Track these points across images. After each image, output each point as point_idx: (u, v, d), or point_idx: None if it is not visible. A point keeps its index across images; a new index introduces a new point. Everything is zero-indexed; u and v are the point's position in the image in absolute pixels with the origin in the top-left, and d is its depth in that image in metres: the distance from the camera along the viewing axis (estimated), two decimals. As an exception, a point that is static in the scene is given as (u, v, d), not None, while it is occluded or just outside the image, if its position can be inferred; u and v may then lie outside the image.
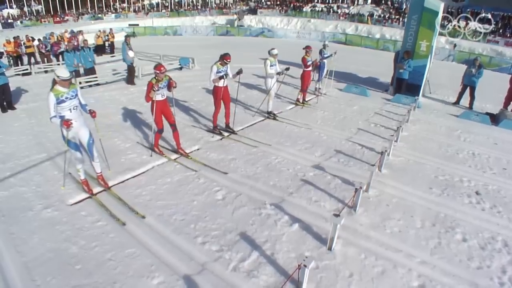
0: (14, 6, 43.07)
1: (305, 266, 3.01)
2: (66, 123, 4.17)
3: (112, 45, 19.28)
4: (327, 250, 3.81)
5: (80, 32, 18.49)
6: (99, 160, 4.88)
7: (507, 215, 4.70)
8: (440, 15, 9.92)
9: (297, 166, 5.87)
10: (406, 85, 10.80)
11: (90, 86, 11.28)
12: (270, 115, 8.50)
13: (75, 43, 14.41)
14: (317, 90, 11.02)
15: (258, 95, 10.47)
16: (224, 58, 6.64)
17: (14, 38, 15.00)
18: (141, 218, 4.27)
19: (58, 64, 13.69)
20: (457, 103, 10.58)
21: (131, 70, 11.84)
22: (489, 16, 17.76)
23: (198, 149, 6.48)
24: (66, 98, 4.30)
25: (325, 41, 13.53)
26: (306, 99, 9.98)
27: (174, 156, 6.11)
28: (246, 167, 5.77)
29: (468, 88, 10.13)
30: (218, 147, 6.61)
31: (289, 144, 6.86)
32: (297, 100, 9.87)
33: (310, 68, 9.26)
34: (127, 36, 11.97)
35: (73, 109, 4.41)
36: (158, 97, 5.71)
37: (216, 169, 5.66)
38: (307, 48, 9.21)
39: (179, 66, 14.82)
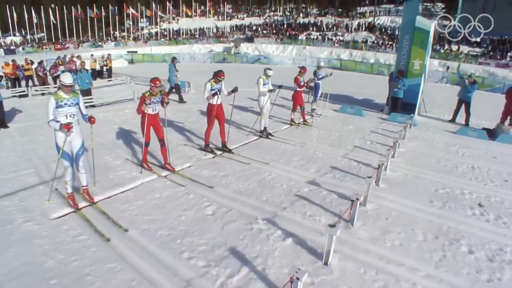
0: (18, 34, 44.44)
1: (297, 279, 2.73)
2: (67, 126, 4.24)
3: (110, 70, 19.38)
4: (323, 265, 3.52)
5: (78, 56, 18.67)
6: (85, 172, 4.77)
7: (514, 227, 4.45)
8: (432, 34, 10.08)
9: (291, 182, 5.65)
10: (401, 104, 10.77)
11: (86, 107, 11.22)
12: (263, 133, 8.34)
13: (73, 67, 14.59)
14: (312, 111, 10.98)
15: (252, 116, 10.37)
16: (218, 76, 6.59)
17: (12, 61, 15.21)
18: (124, 232, 4.03)
19: (55, 87, 13.78)
20: (453, 120, 10.51)
21: (177, 89, 12.71)
22: (478, 40, 18.20)
23: (189, 166, 6.28)
24: (65, 104, 4.38)
25: (320, 62, 13.71)
26: (302, 120, 9.79)
27: (164, 173, 5.90)
28: (238, 183, 5.55)
29: (463, 104, 10.10)
30: (210, 165, 6.40)
31: (283, 161, 6.67)
32: (291, 120, 9.74)
33: (302, 89, 9.23)
34: (174, 58, 12.84)
35: (70, 116, 4.44)
36: (150, 110, 5.64)
37: (202, 183, 5.46)
38: (302, 69, 9.26)
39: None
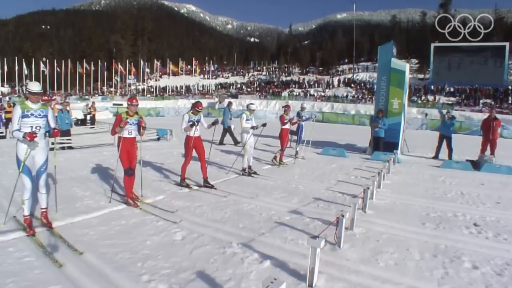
0: (6, 85, 44.95)
1: (273, 290, 2.21)
2: (30, 134, 3.85)
3: (93, 118, 19.10)
4: (307, 287, 2.97)
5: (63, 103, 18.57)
6: (46, 193, 4.33)
7: (516, 242, 4.03)
8: (407, 73, 10.46)
9: (271, 212, 5.15)
10: (383, 143, 10.73)
11: (63, 148, 10.87)
12: (245, 171, 7.81)
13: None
14: (296, 153, 10.75)
15: (233, 158, 10.10)
16: (196, 106, 6.42)
17: None
18: (78, 255, 3.44)
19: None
20: (436, 157, 10.47)
21: (230, 131, 12.83)
22: (452, 89, 19.19)
23: (162, 198, 5.74)
24: (32, 114, 4.04)
25: (302, 103, 13.87)
26: (283, 160, 9.51)
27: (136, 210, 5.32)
28: (213, 212, 5.03)
29: (445, 139, 10.14)
30: (185, 197, 5.89)
31: (264, 193, 6.22)
32: (274, 157, 9.44)
33: (287, 126, 9.12)
34: (230, 103, 13.47)
35: (35, 128, 4.08)
36: (125, 133, 5.27)
37: (163, 209, 4.97)
38: (286, 107, 9.27)
39: (157, 137, 14.62)
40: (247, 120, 7.73)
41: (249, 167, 7.90)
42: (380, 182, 6.63)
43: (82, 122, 18.60)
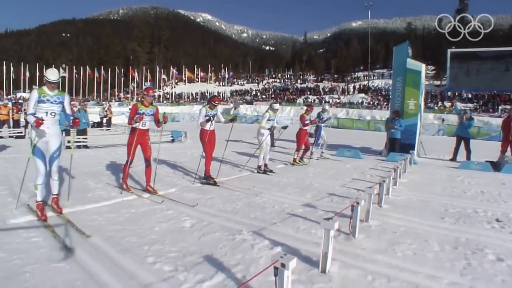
0: (28, 91, 46.92)
1: (283, 266, 2.11)
2: (37, 121, 3.85)
3: (109, 121, 19.18)
4: (319, 273, 2.84)
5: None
6: (58, 180, 4.30)
7: (543, 238, 3.78)
8: (423, 74, 10.22)
9: (284, 205, 5.02)
10: (399, 145, 10.45)
11: (78, 147, 11.05)
12: (260, 169, 7.66)
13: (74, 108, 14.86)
14: (311, 154, 10.56)
15: (247, 158, 10.03)
16: (212, 101, 6.35)
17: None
18: (86, 238, 3.43)
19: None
20: (453, 159, 10.11)
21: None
22: (470, 96, 18.68)
23: (174, 191, 5.70)
24: (48, 100, 4.03)
25: (324, 105, 13.71)
26: (300, 158, 9.23)
27: (145, 195, 5.29)
28: (224, 204, 4.94)
29: (463, 141, 9.81)
30: (196, 190, 5.84)
31: (276, 189, 6.11)
32: (294, 160, 9.09)
33: (307, 128, 8.91)
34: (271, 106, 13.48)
35: (50, 114, 4.08)
36: (139, 124, 5.23)
37: (184, 203, 4.86)
38: (309, 107, 9.13)
39: (171, 138, 14.70)
40: (268, 120, 7.60)
41: (265, 165, 7.77)
42: (396, 179, 6.42)
43: (98, 125, 18.83)
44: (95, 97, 47.74)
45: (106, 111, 19.47)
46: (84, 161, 8.40)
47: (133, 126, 5.25)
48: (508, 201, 5.42)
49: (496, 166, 8.44)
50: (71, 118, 4.19)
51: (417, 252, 3.31)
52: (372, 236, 3.75)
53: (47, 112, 4.04)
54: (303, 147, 9.00)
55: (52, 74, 4.02)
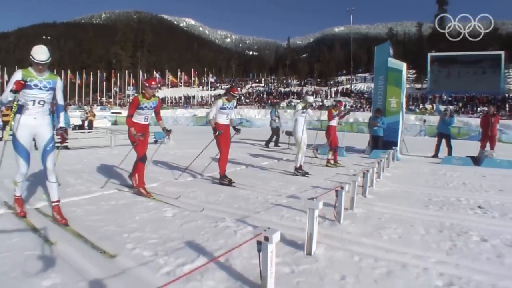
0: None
1: (266, 239, 2.02)
2: (18, 82, 3.03)
3: (90, 124, 18.63)
4: (305, 255, 2.76)
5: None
6: (57, 182, 3.51)
7: (524, 222, 3.83)
8: (404, 72, 10.39)
9: (268, 196, 4.94)
10: (382, 142, 10.57)
11: (58, 148, 10.58)
12: (298, 171, 6.81)
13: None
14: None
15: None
16: (231, 91, 5.65)
17: None
18: (63, 227, 3.25)
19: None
20: (435, 156, 10.28)
21: (276, 132, 12.88)
22: (450, 98, 19.19)
23: (156, 186, 5.52)
24: (35, 85, 3.18)
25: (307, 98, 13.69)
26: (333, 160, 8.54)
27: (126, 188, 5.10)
28: (207, 196, 4.82)
29: (444, 138, 10.00)
30: (179, 184, 5.69)
31: (261, 183, 6.00)
32: (328, 161, 8.44)
33: (334, 123, 8.49)
34: (277, 103, 12.99)
35: (38, 103, 3.26)
36: (141, 119, 4.76)
37: (166, 195, 4.69)
38: (339, 103, 9.05)
39: (154, 139, 14.38)
40: (302, 112, 6.72)
41: (300, 167, 6.92)
42: (380, 172, 6.45)
43: (79, 128, 18.30)
44: (76, 102, 46.65)
45: (87, 113, 18.94)
46: (64, 160, 8.03)
47: (134, 121, 4.77)
48: (489, 191, 5.51)
49: (476, 160, 8.63)
50: (62, 107, 3.60)
51: (403, 236, 3.28)
52: (358, 222, 3.70)
53: (34, 101, 3.23)
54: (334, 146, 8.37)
55: (40, 52, 3.13)
